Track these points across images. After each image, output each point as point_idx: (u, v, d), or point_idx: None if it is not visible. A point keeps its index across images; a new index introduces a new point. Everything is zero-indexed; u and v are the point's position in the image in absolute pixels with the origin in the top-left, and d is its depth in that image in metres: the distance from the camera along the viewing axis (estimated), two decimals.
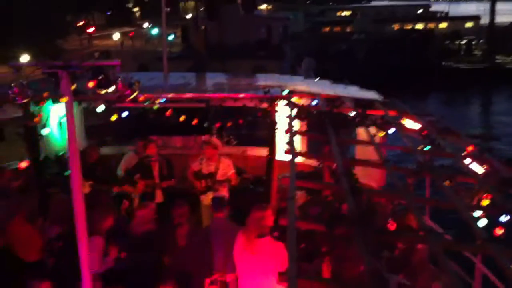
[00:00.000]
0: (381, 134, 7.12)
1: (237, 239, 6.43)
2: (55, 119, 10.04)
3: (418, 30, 60.81)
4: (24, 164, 8.77)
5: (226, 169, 8.96)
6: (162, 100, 8.88)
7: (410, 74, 42.23)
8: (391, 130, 7.14)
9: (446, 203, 4.48)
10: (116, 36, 61.97)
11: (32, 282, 5.89)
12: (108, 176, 9.36)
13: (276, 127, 8.98)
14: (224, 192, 8.91)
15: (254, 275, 6.19)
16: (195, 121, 10.16)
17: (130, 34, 64.87)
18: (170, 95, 8.78)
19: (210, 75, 12.13)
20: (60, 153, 10.43)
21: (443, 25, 67.44)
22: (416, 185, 5.98)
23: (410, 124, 7.22)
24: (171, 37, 49.56)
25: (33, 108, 8.61)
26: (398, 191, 4.47)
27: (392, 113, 7.43)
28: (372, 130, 7.00)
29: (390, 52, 46.47)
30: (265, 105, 9.12)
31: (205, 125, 10.40)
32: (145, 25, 73.87)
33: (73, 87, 5.34)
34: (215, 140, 9.23)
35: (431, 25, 66.18)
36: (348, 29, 64.75)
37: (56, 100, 7.53)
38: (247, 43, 37.43)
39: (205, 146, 9.14)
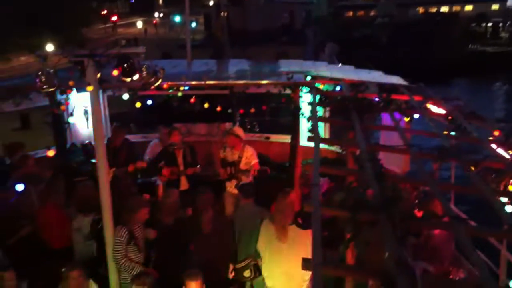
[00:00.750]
0: (406, 119, 7.05)
1: (265, 226, 6.46)
2: (80, 107, 10.16)
3: (443, 13, 59.75)
4: (51, 153, 8.90)
5: (249, 158, 8.96)
6: (185, 88, 8.91)
7: (435, 58, 41.59)
8: (416, 115, 7.07)
9: (472, 189, 4.42)
10: (140, 24, 62.24)
11: (63, 269, 6.00)
12: (132, 161, 9.43)
13: (299, 113, 8.96)
14: (247, 180, 8.93)
15: (281, 262, 6.22)
16: (218, 108, 10.19)
17: (154, 22, 65.11)
18: (193, 83, 8.80)
19: (233, 62, 12.12)
20: (86, 141, 10.58)
21: (468, 7, 66.13)
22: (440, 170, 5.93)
23: (435, 109, 7.14)
24: (193, 25, 49.59)
25: (59, 97, 8.73)
26: (423, 177, 4.43)
27: (417, 98, 7.34)
28: (397, 115, 6.93)
29: (414, 36, 45.77)
30: (288, 91, 9.10)
31: (229, 111, 10.43)
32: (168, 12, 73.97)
33: (98, 75, 5.40)
34: (237, 129, 9.23)
35: (457, 8, 64.98)
36: (371, 13, 63.92)
37: (81, 88, 7.61)
38: (270, 29, 37.22)
39: (227, 135, 9.14)
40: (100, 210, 6.34)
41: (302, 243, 5.91)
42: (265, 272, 6.49)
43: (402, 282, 2.59)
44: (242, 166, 8.89)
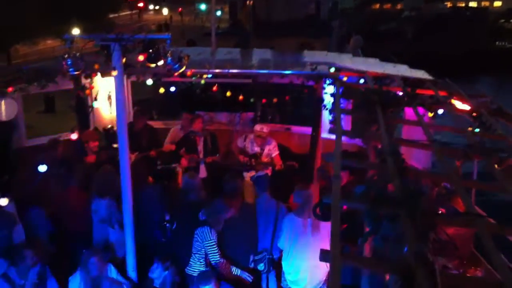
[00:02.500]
0: (431, 114, 6.97)
1: (286, 218, 6.45)
2: (104, 92, 10.25)
3: (471, 8, 58.79)
4: (74, 136, 9.00)
5: (271, 150, 8.97)
6: (209, 76, 8.93)
7: (461, 53, 40.96)
8: (441, 111, 6.98)
9: (495, 187, 4.36)
10: (165, 11, 62.42)
11: (85, 252, 6.10)
12: (154, 146, 9.47)
13: (322, 105, 8.91)
14: (267, 171, 8.92)
15: (307, 255, 6.23)
16: (241, 97, 10.19)
17: (179, 10, 65.23)
18: (217, 71, 8.80)
19: (257, 51, 12.09)
20: (108, 126, 10.67)
21: (497, 3, 65.01)
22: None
23: (461, 104, 7.03)
24: (218, 13, 49.55)
25: (83, 81, 8.81)
26: (446, 173, 4.38)
27: (442, 93, 7.24)
28: (421, 110, 6.85)
29: (441, 30, 45.11)
30: (311, 82, 9.05)
31: (251, 100, 10.42)
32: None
33: (123, 60, 5.44)
34: (265, 127, 9.21)
35: (485, 3, 63.90)
36: (398, 7, 63.13)
37: (106, 73, 7.66)
38: (295, 19, 36.92)
39: (255, 138, 9.13)
40: (116, 193, 6.43)
41: (326, 235, 5.89)
42: (288, 267, 6.47)
43: (421, 277, 2.58)
44: (264, 158, 8.89)
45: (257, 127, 9.24)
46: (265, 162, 8.90)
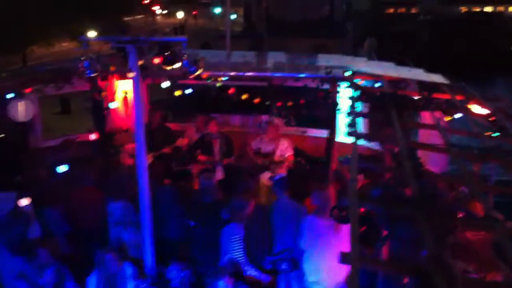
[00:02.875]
0: (447, 118, 6.93)
1: (307, 219, 6.44)
2: (120, 94, 10.30)
3: (486, 12, 58.33)
4: (93, 136, 9.06)
5: (284, 150, 8.95)
6: (224, 78, 8.94)
7: (476, 58, 40.62)
8: (458, 115, 6.94)
9: None
10: (180, 14, 62.68)
11: (101, 250, 6.13)
12: (169, 145, 9.50)
13: (337, 109, 8.89)
14: (282, 172, 8.91)
15: (324, 255, 6.21)
16: (256, 100, 10.19)
17: (193, 13, 65.48)
18: (232, 73, 8.82)
19: (272, 54, 12.09)
20: (125, 128, 10.73)
21: None
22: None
23: (477, 109, 6.98)
24: (233, 16, 49.65)
25: (100, 83, 8.87)
26: (464, 177, 4.35)
27: (459, 97, 7.19)
28: (437, 114, 6.81)
29: (456, 34, 44.80)
30: (326, 85, 9.03)
31: (266, 103, 10.42)
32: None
33: (140, 62, 5.47)
34: (278, 120, 9.21)
35: (501, 8, 63.31)
36: (413, 11, 62.81)
37: (122, 75, 7.71)
38: (309, 20, 36.89)
39: (267, 126, 9.09)
40: (130, 196, 6.46)
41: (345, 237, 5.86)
42: (309, 267, 6.45)
43: (441, 281, 2.55)
44: (277, 158, 8.88)
45: (267, 118, 9.22)
46: (279, 161, 8.87)
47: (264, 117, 10.84)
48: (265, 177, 8.79)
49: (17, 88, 8.33)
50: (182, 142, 9.44)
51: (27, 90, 8.31)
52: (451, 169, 8.41)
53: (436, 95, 7.25)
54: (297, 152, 9.67)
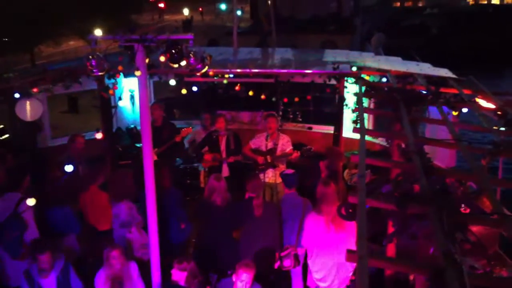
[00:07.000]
0: (455, 113, 6.89)
1: (309, 216, 6.44)
2: (127, 92, 10.33)
3: (494, 5, 58.00)
4: (100, 136, 9.09)
5: (285, 145, 8.90)
6: (231, 75, 8.92)
7: (484, 51, 40.37)
8: (465, 109, 6.90)
9: None
10: (186, 11, 62.62)
11: (106, 249, 6.13)
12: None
13: (344, 104, 8.86)
14: (283, 168, 8.87)
15: (327, 252, 6.21)
16: (263, 96, 10.18)
17: (200, 9, 65.42)
18: (239, 70, 8.81)
19: (279, 51, 12.09)
20: (131, 126, 10.76)
21: None
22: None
23: (485, 103, 6.94)
24: (239, 13, 49.56)
25: (107, 81, 8.88)
26: (473, 172, 4.32)
27: (466, 91, 7.15)
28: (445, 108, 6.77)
29: (465, 26, 44.54)
30: (333, 81, 9.00)
31: (273, 100, 10.41)
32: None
33: (147, 60, 5.46)
34: (271, 117, 9.16)
35: (508, 0, 62.93)
36: (420, 4, 62.56)
37: (129, 73, 7.70)
38: (317, 16, 36.69)
39: (268, 118, 8.95)
40: (133, 198, 6.46)
41: (353, 235, 5.86)
42: (314, 266, 6.45)
43: (450, 277, 2.54)
44: (278, 153, 8.84)
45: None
46: (280, 156, 8.81)
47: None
48: (268, 174, 8.73)
49: (26, 87, 8.36)
50: (186, 131, 9.31)
51: (35, 90, 8.33)
52: (459, 164, 8.38)
53: (443, 90, 7.22)
54: (302, 148, 9.63)
